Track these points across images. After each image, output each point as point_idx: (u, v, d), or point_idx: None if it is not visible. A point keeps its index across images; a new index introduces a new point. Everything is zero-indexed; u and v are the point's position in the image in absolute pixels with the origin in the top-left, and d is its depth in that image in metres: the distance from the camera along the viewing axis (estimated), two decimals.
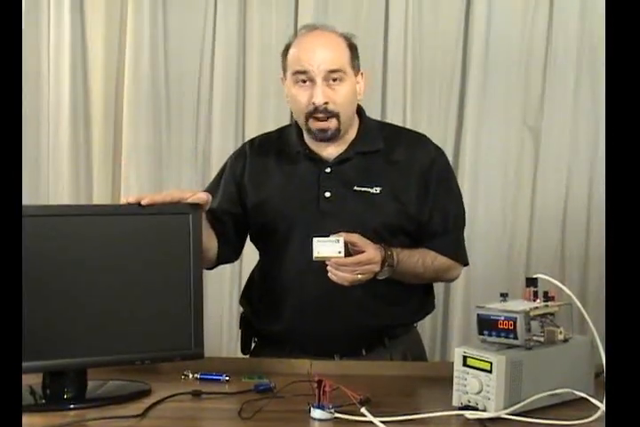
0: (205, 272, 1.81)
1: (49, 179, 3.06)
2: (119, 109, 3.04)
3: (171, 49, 3.02)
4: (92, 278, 1.54)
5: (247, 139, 2.08)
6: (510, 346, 1.47)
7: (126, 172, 3.02)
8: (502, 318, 1.46)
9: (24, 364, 1.36)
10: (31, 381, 1.55)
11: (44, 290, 1.50)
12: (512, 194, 2.97)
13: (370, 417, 1.38)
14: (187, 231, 1.61)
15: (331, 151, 1.87)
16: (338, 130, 1.81)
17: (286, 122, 2.73)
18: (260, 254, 1.98)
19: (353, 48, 1.84)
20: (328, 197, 1.84)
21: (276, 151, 1.93)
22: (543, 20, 2.90)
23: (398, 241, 1.82)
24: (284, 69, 1.85)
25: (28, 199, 2.80)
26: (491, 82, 2.92)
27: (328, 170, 1.86)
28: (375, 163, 1.87)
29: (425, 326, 2.68)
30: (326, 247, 1.63)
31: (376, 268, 1.70)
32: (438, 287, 2.08)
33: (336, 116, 1.79)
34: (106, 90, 3.04)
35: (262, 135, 2.02)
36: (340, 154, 1.87)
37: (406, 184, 1.85)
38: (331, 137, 1.82)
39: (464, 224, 1.95)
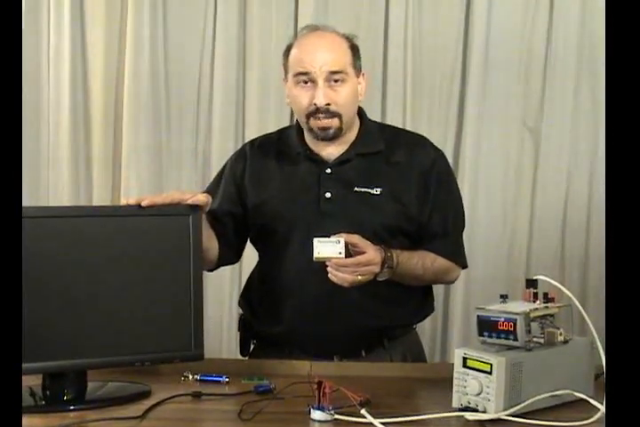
0: (205, 273, 1.81)
1: (49, 179, 3.05)
2: (119, 110, 3.04)
3: (171, 49, 3.02)
4: (91, 280, 1.54)
5: (247, 139, 2.08)
6: (510, 347, 1.46)
7: (126, 172, 3.02)
8: (502, 320, 1.46)
9: (24, 365, 1.36)
10: (31, 382, 1.55)
11: (44, 292, 1.50)
12: (512, 194, 2.97)
13: (370, 419, 1.38)
14: (186, 233, 1.61)
15: (331, 152, 1.87)
16: (339, 129, 1.82)
17: (286, 122, 2.75)
18: (259, 256, 1.98)
19: (354, 49, 1.84)
20: (328, 198, 1.84)
21: (276, 152, 1.93)
22: (543, 20, 2.91)
23: (398, 242, 1.83)
24: (286, 70, 1.85)
25: (27, 200, 2.80)
26: (491, 82, 2.93)
27: (329, 170, 1.86)
28: (375, 164, 1.87)
29: (425, 327, 2.68)
30: (327, 248, 1.63)
31: (376, 269, 1.70)
32: (438, 288, 2.08)
33: (338, 116, 1.80)
34: (106, 90, 3.03)
35: (262, 136, 2.02)
36: (341, 155, 1.87)
37: (406, 185, 1.85)
38: (332, 136, 1.82)
39: (464, 226, 1.96)
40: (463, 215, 1.96)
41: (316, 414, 1.41)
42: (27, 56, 2.94)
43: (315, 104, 1.78)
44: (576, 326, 1.55)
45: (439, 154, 1.94)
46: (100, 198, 3.03)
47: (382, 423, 1.38)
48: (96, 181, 3.06)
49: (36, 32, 3.02)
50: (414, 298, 1.93)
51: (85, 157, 3.05)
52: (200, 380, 1.67)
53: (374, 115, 1.97)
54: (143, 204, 1.58)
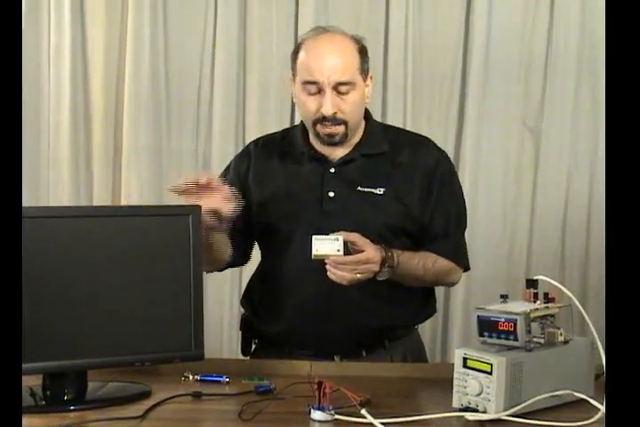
0: (205, 274, 1.81)
1: (49, 180, 3.05)
2: (119, 110, 3.04)
3: (171, 49, 3.01)
4: (92, 280, 1.54)
5: (248, 140, 2.08)
6: (510, 348, 1.46)
7: (126, 173, 3.02)
8: (502, 320, 1.46)
9: (24, 365, 1.36)
10: (31, 382, 1.55)
11: (44, 292, 1.50)
12: (512, 194, 2.97)
13: (370, 419, 1.38)
14: (187, 233, 1.61)
15: (336, 152, 1.88)
16: (345, 135, 1.82)
17: (287, 124, 2.75)
18: (262, 255, 1.98)
19: (363, 52, 1.83)
20: (332, 197, 1.84)
21: (280, 152, 1.93)
22: (543, 20, 2.90)
23: (400, 242, 1.83)
24: (294, 73, 1.85)
25: (27, 200, 2.80)
26: (491, 82, 2.92)
27: (332, 170, 1.86)
28: (379, 164, 1.87)
29: (425, 328, 2.67)
30: (325, 245, 1.64)
31: (375, 267, 1.70)
32: (438, 289, 2.08)
33: (344, 123, 1.80)
34: (106, 90, 3.03)
35: (266, 136, 2.02)
36: (346, 155, 1.87)
37: (410, 186, 1.86)
38: (338, 142, 1.84)
39: (466, 227, 1.96)
40: (465, 216, 1.96)
41: (317, 415, 1.41)
42: (27, 56, 2.94)
43: (322, 113, 1.78)
44: (576, 327, 1.55)
45: (443, 155, 1.94)
46: (100, 198, 3.03)
47: (382, 424, 1.38)
48: (96, 180, 3.05)
49: (37, 32, 3.01)
50: (415, 298, 1.92)
51: (85, 157, 3.05)
52: (200, 380, 1.67)
53: (374, 115, 1.97)
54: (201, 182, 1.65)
